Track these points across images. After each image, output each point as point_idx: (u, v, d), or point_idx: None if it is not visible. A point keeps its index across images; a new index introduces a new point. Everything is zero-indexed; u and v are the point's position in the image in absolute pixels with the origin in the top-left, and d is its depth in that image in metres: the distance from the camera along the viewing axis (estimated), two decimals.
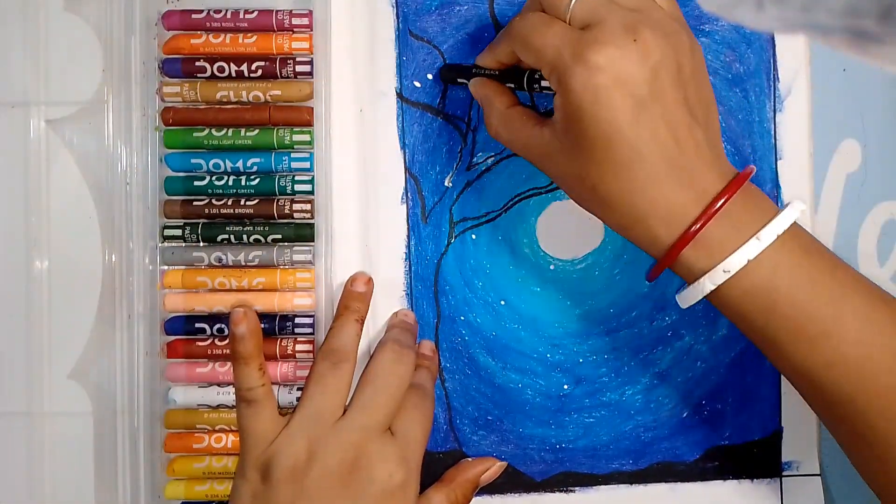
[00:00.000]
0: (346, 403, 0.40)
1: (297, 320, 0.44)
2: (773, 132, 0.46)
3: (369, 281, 0.44)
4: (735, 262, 0.34)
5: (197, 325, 0.44)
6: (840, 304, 0.35)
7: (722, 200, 0.34)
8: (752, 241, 0.34)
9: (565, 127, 0.35)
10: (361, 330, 0.43)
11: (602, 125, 0.33)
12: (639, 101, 0.33)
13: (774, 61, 0.46)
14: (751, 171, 0.36)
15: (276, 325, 0.44)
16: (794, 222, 0.36)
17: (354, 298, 0.43)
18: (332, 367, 0.40)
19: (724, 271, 0.34)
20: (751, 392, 0.46)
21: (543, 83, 0.38)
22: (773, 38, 0.46)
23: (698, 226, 0.34)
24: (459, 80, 0.43)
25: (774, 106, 0.46)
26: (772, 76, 0.46)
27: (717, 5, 0.23)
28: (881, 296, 0.37)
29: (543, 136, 0.37)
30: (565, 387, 0.46)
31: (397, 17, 0.45)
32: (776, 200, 0.46)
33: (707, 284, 0.35)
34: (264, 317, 0.44)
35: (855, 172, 0.46)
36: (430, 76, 0.45)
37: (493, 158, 0.46)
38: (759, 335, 0.37)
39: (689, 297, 0.36)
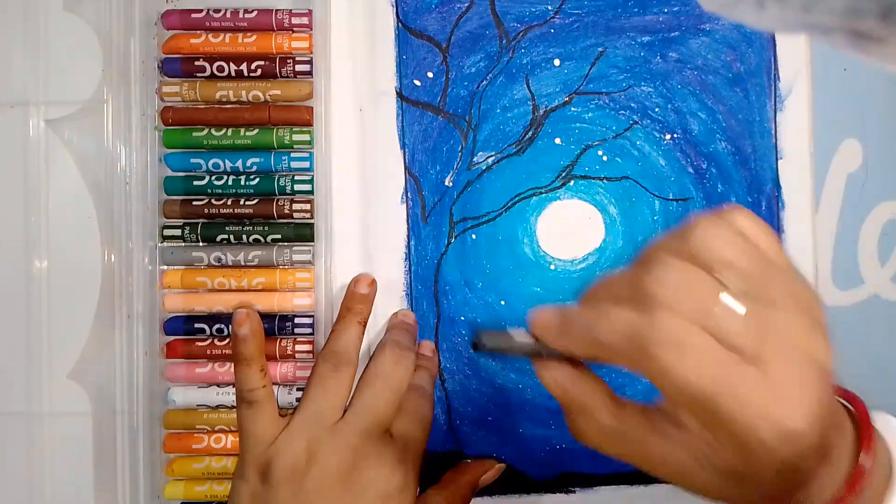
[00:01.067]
0: (347, 405, 0.40)
1: (296, 320, 0.44)
2: (773, 132, 0.46)
3: (373, 283, 0.44)
4: None
5: (196, 325, 0.44)
6: None
7: (865, 469, 0.27)
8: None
9: (722, 460, 0.27)
10: (363, 332, 0.43)
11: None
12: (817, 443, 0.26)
13: (775, 60, 0.46)
14: (865, 412, 0.29)
15: (275, 326, 0.44)
16: None
17: (357, 300, 0.43)
18: (333, 369, 0.40)
19: None
20: None
21: None
22: (773, 38, 0.46)
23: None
24: (506, 354, 0.31)
25: (775, 105, 0.46)
26: (772, 75, 0.46)
27: (718, 5, 0.23)
28: None
29: (682, 451, 0.28)
30: None
31: (397, 16, 0.45)
32: (776, 200, 0.46)
33: None
34: (264, 317, 0.44)
35: (856, 172, 0.46)
36: (430, 74, 0.45)
37: (493, 158, 0.46)
38: None
39: None
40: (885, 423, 0.29)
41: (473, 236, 0.46)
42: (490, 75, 0.45)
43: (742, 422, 0.25)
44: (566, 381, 0.30)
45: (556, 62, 0.46)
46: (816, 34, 0.21)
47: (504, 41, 0.45)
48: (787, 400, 0.25)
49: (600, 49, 0.46)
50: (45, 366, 0.44)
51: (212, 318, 0.44)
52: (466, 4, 0.45)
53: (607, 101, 0.46)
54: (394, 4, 0.45)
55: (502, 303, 0.46)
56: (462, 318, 0.46)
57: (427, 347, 0.45)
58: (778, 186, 0.46)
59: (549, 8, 0.45)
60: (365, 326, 0.43)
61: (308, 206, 0.44)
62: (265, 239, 0.44)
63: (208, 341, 0.44)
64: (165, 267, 0.44)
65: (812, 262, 0.46)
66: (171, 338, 0.44)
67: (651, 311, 0.25)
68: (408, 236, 0.45)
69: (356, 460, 0.39)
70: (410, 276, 0.45)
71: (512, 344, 0.31)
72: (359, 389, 0.41)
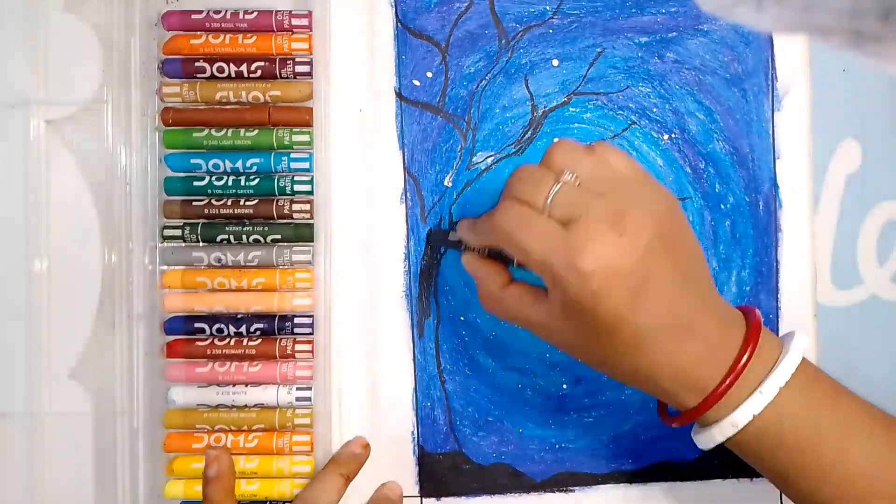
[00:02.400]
0: None
1: (296, 320, 0.44)
2: (771, 132, 0.46)
3: (366, 446, 0.44)
4: (742, 418, 0.35)
5: (196, 325, 0.44)
6: (844, 441, 0.36)
7: (743, 360, 0.35)
8: (755, 396, 0.35)
9: (565, 315, 0.35)
10: (345, 488, 0.42)
11: (602, 318, 0.34)
12: (635, 288, 0.33)
13: (773, 61, 0.46)
14: (759, 319, 0.37)
15: (275, 326, 0.44)
16: None
17: (347, 457, 0.43)
18: None
19: (733, 425, 0.35)
20: None
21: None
22: (771, 38, 0.46)
23: (722, 388, 0.35)
24: (448, 247, 0.43)
25: (773, 105, 0.46)
26: (770, 76, 0.46)
27: (717, 6, 0.23)
28: (884, 423, 0.37)
29: (541, 314, 0.36)
30: (564, 386, 0.46)
31: (396, 16, 0.45)
32: (774, 199, 0.46)
33: (717, 436, 0.36)
34: (264, 317, 0.44)
35: (855, 172, 0.46)
36: (429, 74, 0.45)
37: (492, 158, 0.46)
38: (768, 471, 0.38)
39: (702, 443, 0.38)
40: (793, 336, 0.37)
41: None
42: (489, 75, 0.46)
43: (561, 275, 0.33)
44: (474, 262, 0.40)
45: (555, 62, 0.46)
46: (816, 35, 0.21)
47: (503, 41, 0.46)
48: (582, 249, 0.33)
49: (598, 49, 0.46)
50: (46, 366, 0.44)
51: (212, 318, 0.44)
52: (465, 4, 0.45)
53: (605, 101, 0.46)
54: (393, 4, 0.45)
55: None
56: (462, 317, 0.46)
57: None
58: (776, 186, 0.46)
59: (548, 8, 0.46)
60: (348, 483, 0.42)
61: (308, 207, 0.44)
62: (265, 239, 0.44)
63: (208, 341, 0.44)
64: (165, 267, 0.44)
65: (811, 262, 0.46)
66: (171, 338, 0.44)
67: (503, 201, 0.36)
68: (407, 236, 0.46)
69: None
70: (410, 276, 0.45)
71: (449, 239, 0.43)
72: None
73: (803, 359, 0.37)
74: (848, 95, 0.46)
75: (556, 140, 0.37)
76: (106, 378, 0.44)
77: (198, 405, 0.44)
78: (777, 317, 0.46)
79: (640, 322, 0.34)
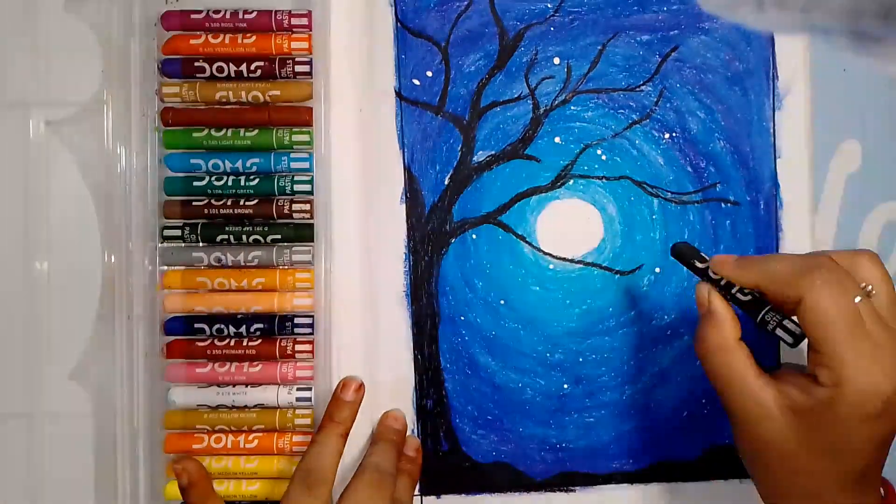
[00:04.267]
0: None
1: (296, 320, 0.44)
2: (772, 131, 0.46)
3: (360, 387, 0.44)
4: None
5: (196, 325, 0.44)
6: None
7: None
8: None
9: (811, 414, 0.33)
10: (344, 445, 0.42)
11: (856, 441, 0.33)
12: (893, 429, 0.34)
13: (774, 60, 0.46)
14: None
15: (275, 326, 0.44)
16: None
17: (341, 408, 0.43)
18: (307, 490, 0.40)
19: None
20: None
21: (780, 332, 0.35)
22: (772, 37, 0.46)
23: None
24: (691, 267, 0.39)
25: (774, 104, 0.46)
26: (771, 75, 0.46)
27: (718, 6, 0.23)
28: None
29: (764, 400, 0.34)
30: (565, 386, 0.46)
31: (396, 15, 0.45)
32: (775, 199, 0.46)
33: None
34: (264, 317, 0.44)
35: (855, 173, 0.46)
36: (429, 73, 0.45)
37: (493, 157, 0.46)
38: None
39: None
40: None
41: (474, 236, 0.46)
42: (490, 74, 0.45)
43: (846, 359, 0.32)
44: (716, 299, 0.36)
45: (556, 60, 0.46)
46: (816, 35, 0.21)
47: (504, 39, 0.45)
48: (882, 365, 0.32)
49: (600, 47, 0.46)
50: (46, 366, 0.44)
51: (212, 319, 0.44)
52: (465, 3, 0.45)
53: (607, 99, 0.46)
54: (392, 4, 0.45)
55: (502, 302, 0.46)
56: (462, 317, 0.46)
57: (411, 447, 0.45)
58: (776, 185, 0.46)
59: (549, 6, 0.45)
60: (346, 438, 0.42)
61: (308, 207, 0.44)
62: (265, 239, 0.44)
63: (208, 341, 0.44)
64: (165, 267, 0.44)
65: None
66: (171, 338, 0.44)
67: (817, 264, 0.33)
68: (407, 236, 0.45)
69: None
70: (410, 276, 0.45)
71: (694, 265, 0.38)
72: None
73: None
74: (848, 95, 0.46)
75: (870, 251, 0.36)
76: (106, 379, 0.44)
77: (198, 405, 0.44)
78: None
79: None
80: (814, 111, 0.46)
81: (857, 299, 0.33)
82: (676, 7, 0.46)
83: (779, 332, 0.34)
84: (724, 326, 0.36)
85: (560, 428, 0.46)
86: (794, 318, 0.34)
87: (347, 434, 0.42)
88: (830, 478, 0.34)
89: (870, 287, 0.35)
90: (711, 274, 0.37)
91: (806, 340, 0.34)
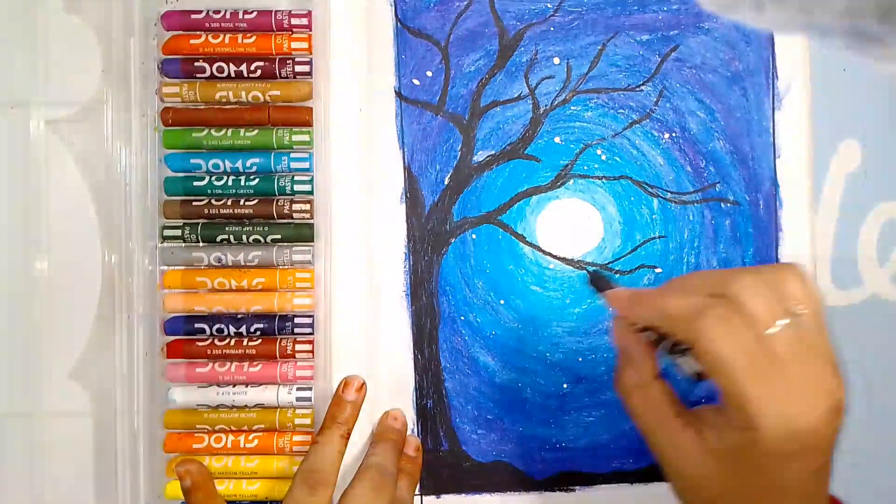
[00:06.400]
0: None
1: (296, 320, 0.44)
2: (771, 130, 0.46)
3: (361, 387, 0.44)
4: None
5: (196, 325, 0.44)
6: None
7: None
8: None
9: (730, 457, 0.31)
10: (346, 446, 0.42)
11: (782, 480, 0.31)
12: (824, 461, 0.31)
13: (773, 59, 0.46)
14: None
15: (275, 326, 0.44)
16: None
17: (343, 408, 0.43)
18: (310, 492, 0.39)
19: None
20: None
21: (685, 368, 0.33)
22: (772, 37, 0.46)
23: None
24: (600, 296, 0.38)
25: (773, 104, 0.46)
26: (771, 74, 0.46)
27: (717, 4, 0.23)
28: None
29: (683, 441, 0.32)
30: (565, 385, 0.46)
31: (395, 15, 0.45)
32: (775, 198, 0.46)
33: None
34: (264, 317, 0.44)
35: (855, 172, 0.46)
36: (429, 73, 0.45)
37: (493, 157, 0.46)
38: None
39: None
40: None
41: (473, 236, 0.46)
42: (490, 73, 0.45)
43: (753, 401, 0.29)
44: (627, 336, 0.35)
45: (556, 60, 0.46)
46: (815, 35, 0.21)
47: (504, 39, 0.46)
48: (797, 401, 0.29)
49: (600, 47, 0.46)
50: (46, 366, 0.44)
51: (212, 318, 0.44)
52: (465, 3, 0.45)
53: (606, 99, 0.46)
54: (392, 4, 0.45)
55: (502, 302, 0.46)
56: (462, 317, 0.46)
57: (412, 446, 0.45)
58: (776, 185, 0.46)
59: (549, 5, 0.46)
60: (348, 439, 0.42)
61: (308, 207, 0.44)
62: (265, 239, 0.44)
63: (208, 341, 0.44)
64: (165, 267, 0.44)
65: (811, 261, 0.46)
66: (172, 338, 0.44)
67: (713, 302, 0.30)
68: (407, 236, 0.45)
69: None
70: (410, 276, 0.45)
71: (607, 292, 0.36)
72: None
73: None
74: (848, 95, 0.46)
75: (793, 265, 0.32)
76: (106, 378, 0.44)
77: (198, 405, 0.44)
78: None
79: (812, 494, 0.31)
80: (813, 111, 0.46)
81: (773, 330, 0.30)
82: (676, 7, 0.46)
83: (685, 366, 0.32)
84: (638, 365, 0.34)
85: (560, 427, 0.46)
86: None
87: (349, 434, 0.42)
88: None
89: (797, 310, 0.30)
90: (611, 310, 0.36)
91: None
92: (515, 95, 0.46)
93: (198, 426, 0.44)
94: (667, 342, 0.34)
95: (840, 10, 0.19)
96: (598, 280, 0.38)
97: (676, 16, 0.46)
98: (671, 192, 0.46)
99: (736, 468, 0.31)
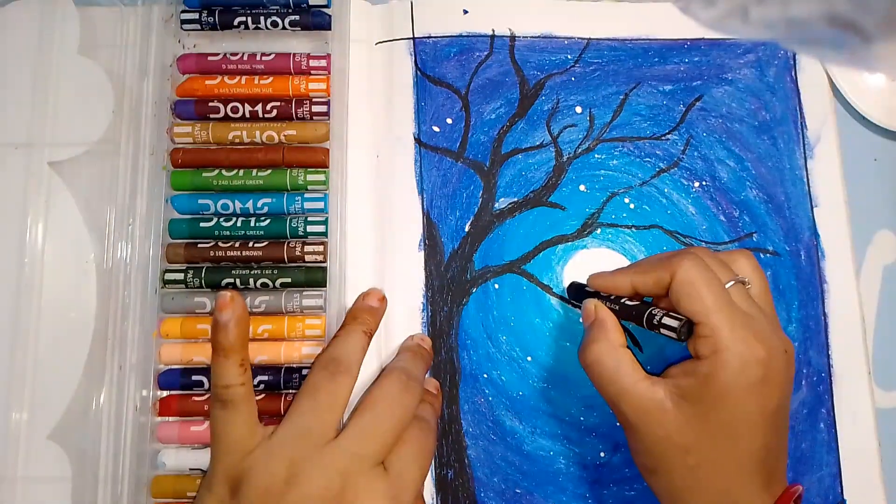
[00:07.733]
0: (341, 425, 0.35)
1: (304, 373, 0.40)
2: (805, 179, 0.44)
3: (383, 299, 0.41)
4: None
5: (194, 377, 0.40)
6: None
7: None
8: None
9: (699, 394, 0.34)
10: (368, 344, 0.38)
11: (744, 408, 0.33)
12: (779, 403, 0.34)
13: (801, 108, 0.45)
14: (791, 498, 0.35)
15: (281, 379, 0.40)
16: None
17: (365, 311, 0.39)
18: (329, 377, 0.35)
19: None
20: (807, 459, 0.41)
21: (665, 322, 0.35)
22: (797, 85, 0.45)
23: None
24: (580, 296, 0.40)
25: (805, 153, 0.45)
26: (800, 124, 0.45)
27: (707, 21, 0.23)
28: None
29: (655, 394, 0.34)
30: (602, 454, 0.41)
31: (415, 63, 0.44)
32: (815, 249, 0.43)
33: None
34: (269, 368, 0.40)
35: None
36: (449, 120, 0.44)
37: (515, 204, 0.43)
38: None
39: None
40: None
41: (496, 286, 0.42)
42: (511, 121, 0.44)
43: (722, 327, 0.33)
44: (602, 309, 0.38)
45: (578, 109, 0.45)
46: (797, 35, 0.21)
47: (524, 88, 0.45)
48: (757, 334, 0.33)
49: (622, 97, 0.45)
50: (24, 425, 0.39)
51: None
52: (486, 53, 0.45)
53: (632, 147, 0.44)
54: (412, 52, 0.44)
55: (529, 359, 0.42)
56: (485, 375, 0.42)
57: (431, 384, 0.41)
58: (816, 235, 0.44)
59: (569, 57, 0.45)
60: (370, 338, 0.38)
61: (321, 249, 0.41)
62: (273, 283, 0.41)
63: (206, 396, 0.40)
64: (164, 315, 0.40)
65: (859, 314, 0.43)
66: (166, 393, 0.40)
67: (686, 251, 0.36)
68: (425, 285, 0.42)
69: (344, 490, 0.33)
70: (428, 328, 0.42)
71: (584, 291, 0.40)
72: (357, 411, 0.35)
73: None
74: (880, 183, 0.44)
75: (744, 250, 0.38)
76: (89, 439, 0.39)
77: (190, 469, 0.39)
78: (829, 376, 0.42)
79: (767, 435, 0.34)
80: (844, 161, 0.44)
81: (730, 284, 0.35)
82: (698, 59, 0.45)
83: (666, 320, 0.35)
84: (610, 332, 0.37)
85: (598, 502, 0.41)
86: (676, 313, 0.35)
87: (371, 335, 0.38)
88: (732, 465, 0.33)
89: (745, 279, 0.36)
90: (589, 289, 0.40)
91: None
92: (538, 143, 0.44)
93: (189, 494, 0.39)
94: (641, 308, 0.37)
95: (821, 15, 0.19)
96: (577, 289, 0.41)
97: (698, 67, 0.45)
98: (705, 242, 0.44)
99: (698, 410, 0.33)
